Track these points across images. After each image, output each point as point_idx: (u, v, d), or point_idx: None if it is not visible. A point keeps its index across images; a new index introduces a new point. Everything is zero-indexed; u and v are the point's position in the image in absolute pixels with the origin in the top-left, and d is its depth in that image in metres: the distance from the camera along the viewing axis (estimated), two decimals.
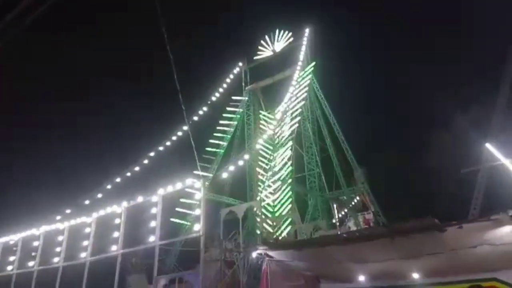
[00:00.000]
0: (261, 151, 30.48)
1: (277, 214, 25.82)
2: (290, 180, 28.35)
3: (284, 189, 27.88)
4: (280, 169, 28.84)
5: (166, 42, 9.87)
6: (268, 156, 30.36)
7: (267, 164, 29.96)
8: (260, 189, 27.97)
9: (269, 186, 28.06)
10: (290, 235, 23.34)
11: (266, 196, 27.64)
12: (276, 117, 30.33)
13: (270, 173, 29.03)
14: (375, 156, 37.05)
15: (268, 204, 28.01)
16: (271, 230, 24.23)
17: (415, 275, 7.92)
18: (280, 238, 22.40)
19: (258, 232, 19.46)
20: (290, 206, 26.81)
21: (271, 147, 30.37)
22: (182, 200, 16.61)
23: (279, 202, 27.45)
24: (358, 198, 33.20)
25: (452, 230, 6.86)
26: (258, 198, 25.81)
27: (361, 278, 8.33)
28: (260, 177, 30.01)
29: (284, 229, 24.28)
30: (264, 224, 24.28)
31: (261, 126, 34.52)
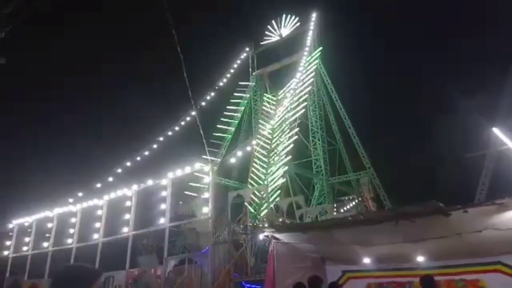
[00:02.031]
0: (264, 136, 30.55)
1: (266, 183, 25.54)
2: (287, 157, 27.95)
3: (278, 163, 27.51)
4: (283, 149, 28.79)
5: (174, 34, 9.97)
6: (270, 142, 30.37)
7: (269, 148, 30.02)
8: (264, 172, 28.16)
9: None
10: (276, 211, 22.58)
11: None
12: (279, 99, 30.27)
13: (276, 158, 29.19)
14: (381, 140, 37.00)
15: (258, 176, 27.80)
16: (258, 202, 23.85)
17: (420, 258, 8.07)
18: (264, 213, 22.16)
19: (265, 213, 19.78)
20: (282, 179, 26.40)
21: (272, 132, 30.36)
22: (191, 183, 16.91)
23: (271, 174, 27.26)
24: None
25: (457, 214, 6.93)
26: (263, 182, 26.07)
27: (366, 260, 8.51)
28: (262, 158, 29.96)
29: (271, 201, 23.49)
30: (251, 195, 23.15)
31: (263, 108, 34.51)
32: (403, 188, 30.80)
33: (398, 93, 41.69)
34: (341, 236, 8.04)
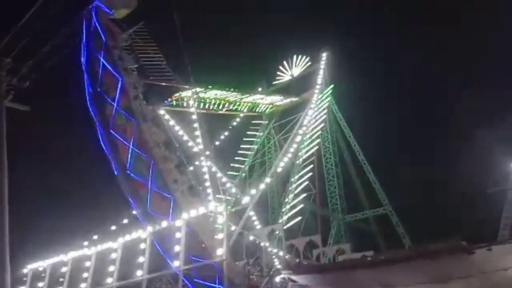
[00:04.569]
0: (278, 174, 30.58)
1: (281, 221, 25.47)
2: (302, 195, 28.04)
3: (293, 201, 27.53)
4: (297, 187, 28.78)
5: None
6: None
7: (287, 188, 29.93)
8: (282, 211, 27.93)
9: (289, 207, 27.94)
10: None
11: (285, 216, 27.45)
12: (296, 140, 30.38)
13: (291, 195, 28.98)
14: (397, 176, 36.35)
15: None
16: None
17: None
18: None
19: (281, 254, 19.26)
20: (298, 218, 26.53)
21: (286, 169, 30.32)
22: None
23: (286, 212, 27.23)
24: None
25: (481, 252, 6.69)
26: (280, 221, 25.71)
27: None
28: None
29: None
30: None
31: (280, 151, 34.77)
32: (422, 225, 29.86)
33: (415, 127, 41.41)
34: (362, 277, 7.78)
